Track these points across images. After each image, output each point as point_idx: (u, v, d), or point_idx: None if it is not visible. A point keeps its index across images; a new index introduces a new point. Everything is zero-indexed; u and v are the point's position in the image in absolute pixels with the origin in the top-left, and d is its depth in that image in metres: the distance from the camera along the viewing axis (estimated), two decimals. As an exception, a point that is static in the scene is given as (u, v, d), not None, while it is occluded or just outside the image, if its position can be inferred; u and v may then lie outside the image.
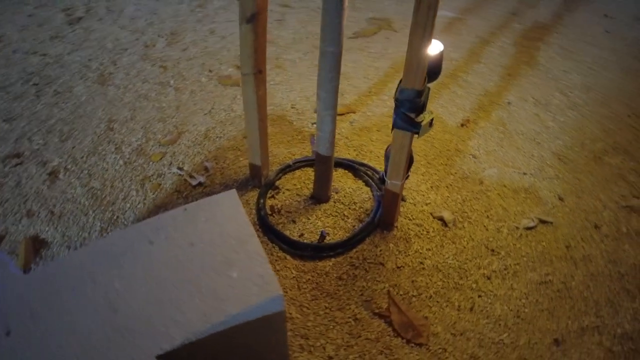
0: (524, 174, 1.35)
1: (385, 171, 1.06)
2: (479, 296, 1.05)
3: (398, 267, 1.10)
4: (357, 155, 1.39)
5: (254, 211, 1.21)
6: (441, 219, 1.20)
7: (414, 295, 1.04)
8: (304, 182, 1.29)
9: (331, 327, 0.98)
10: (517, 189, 1.30)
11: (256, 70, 1.00)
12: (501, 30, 2.06)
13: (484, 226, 1.20)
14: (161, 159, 1.38)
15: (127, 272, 0.73)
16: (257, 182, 1.26)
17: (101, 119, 1.53)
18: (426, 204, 1.24)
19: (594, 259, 1.13)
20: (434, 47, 0.99)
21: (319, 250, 1.10)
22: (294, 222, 1.18)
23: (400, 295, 1.04)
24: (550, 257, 1.13)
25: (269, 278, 0.73)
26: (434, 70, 1.00)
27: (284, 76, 1.73)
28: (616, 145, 1.46)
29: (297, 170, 1.32)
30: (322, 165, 1.13)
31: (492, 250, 1.14)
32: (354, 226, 1.17)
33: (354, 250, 1.12)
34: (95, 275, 0.72)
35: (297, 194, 1.26)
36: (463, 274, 1.09)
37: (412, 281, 1.07)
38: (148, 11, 2.16)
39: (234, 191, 0.87)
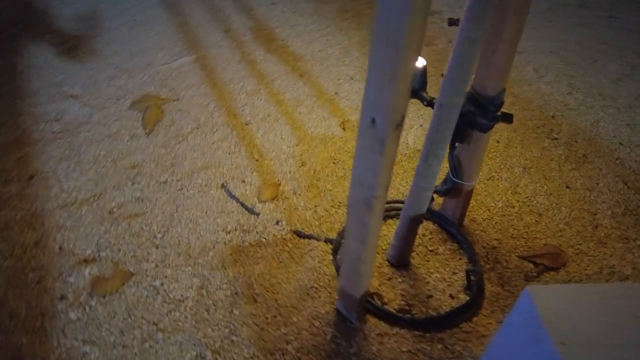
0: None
1: (458, 176, 1.06)
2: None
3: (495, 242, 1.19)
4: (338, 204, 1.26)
5: (397, 337, 0.96)
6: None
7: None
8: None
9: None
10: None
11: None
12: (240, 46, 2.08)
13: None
14: None
15: None
16: (360, 313, 0.98)
17: None
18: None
19: (508, 136, 1.57)
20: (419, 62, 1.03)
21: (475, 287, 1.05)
22: (431, 296, 1.03)
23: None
24: (503, 153, 1.50)
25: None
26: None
27: (184, 212, 1.22)
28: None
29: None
30: (417, 224, 1.01)
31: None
32: (451, 249, 1.14)
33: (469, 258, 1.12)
34: None
35: (388, 279, 1.07)
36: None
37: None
38: None
39: None
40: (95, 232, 1.18)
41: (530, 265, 1.14)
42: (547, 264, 1.14)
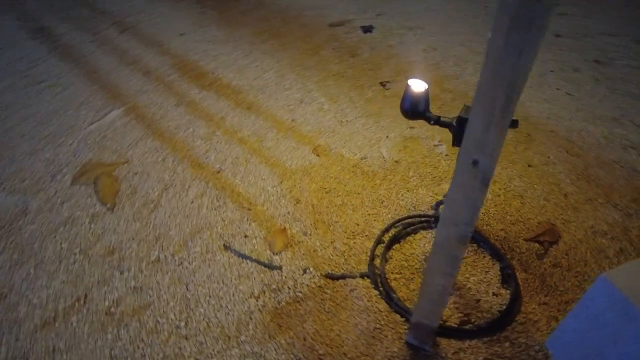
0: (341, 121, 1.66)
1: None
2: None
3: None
4: (352, 234, 1.25)
5: (472, 349, 0.99)
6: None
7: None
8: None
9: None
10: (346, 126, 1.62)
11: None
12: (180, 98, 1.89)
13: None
14: None
15: None
16: (434, 339, 0.98)
17: None
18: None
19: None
20: (421, 86, 1.07)
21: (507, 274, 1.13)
22: (479, 300, 1.08)
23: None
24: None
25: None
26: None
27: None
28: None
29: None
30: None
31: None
32: (473, 250, 1.20)
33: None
34: None
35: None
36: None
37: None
38: None
39: None
40: (103, 344, 0.99)
41: (536, 245, 1.26)
42: (549, 240, 1.28)
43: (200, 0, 2.79)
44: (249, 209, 1.33)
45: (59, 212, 1.29)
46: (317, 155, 1.56)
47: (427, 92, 1.08)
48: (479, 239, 1.23)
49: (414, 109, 1.09)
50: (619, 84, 1.97)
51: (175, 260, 1.17)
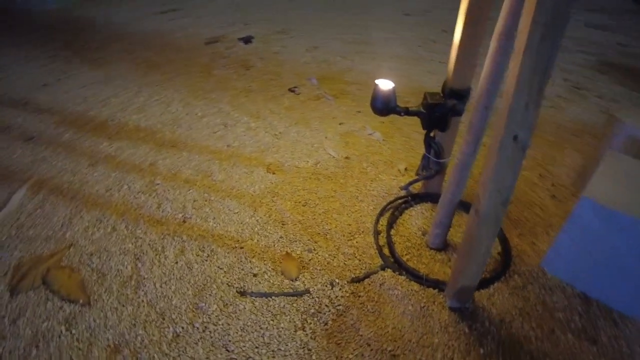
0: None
1: (442, 157, 1.28)
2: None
3: (461, 188, 1.49)
4: (350, 235, 1.30)
5: (498, 291, 1.15)
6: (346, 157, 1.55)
7: (474, 179, 1.54)
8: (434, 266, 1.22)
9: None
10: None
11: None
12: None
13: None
14: None
15: None
16: (472, 296, 1.10)
17: None
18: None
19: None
20: (388, 85, 1.17)
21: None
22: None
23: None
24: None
25: None
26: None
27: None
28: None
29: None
30: (456, 207, 1.18)
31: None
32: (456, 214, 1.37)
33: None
34: None
35: (449, 261, 1.22)
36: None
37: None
38: None
39: None
40: None
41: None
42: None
43: (40, 43, 2.39)
44: (241, 247, 1.26)
45: (18, 335, 1.03)
46: (273, 173, 1.55)
47: (394, 89, 1.18)
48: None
49: (386, 106, 1.18)
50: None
51: (198, 328, 1.06)
